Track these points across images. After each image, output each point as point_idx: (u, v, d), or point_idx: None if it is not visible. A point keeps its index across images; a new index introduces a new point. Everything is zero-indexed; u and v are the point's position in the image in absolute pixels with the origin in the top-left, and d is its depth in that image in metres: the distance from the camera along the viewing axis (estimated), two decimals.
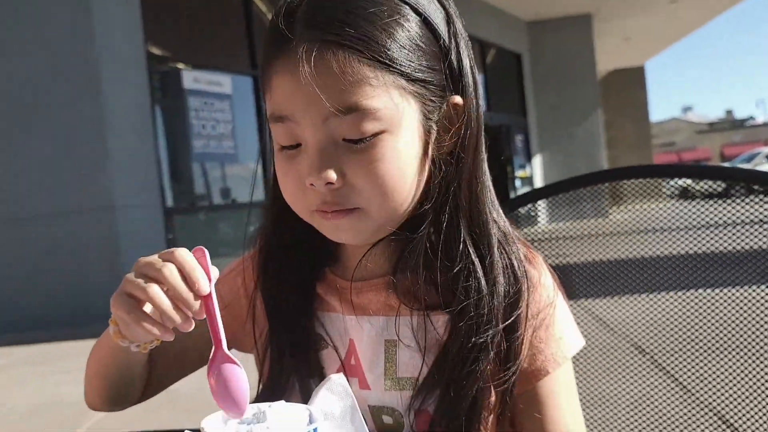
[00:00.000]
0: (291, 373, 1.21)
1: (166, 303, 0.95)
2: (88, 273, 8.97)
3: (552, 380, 1.17)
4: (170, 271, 0.96)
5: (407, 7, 1.06)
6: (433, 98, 1.09)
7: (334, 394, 1.06)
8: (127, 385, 1.29)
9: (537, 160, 21.96)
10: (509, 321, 1.13)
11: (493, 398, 1.14)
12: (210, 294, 0.96)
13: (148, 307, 0.97)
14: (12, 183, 9.19)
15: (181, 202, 10.70)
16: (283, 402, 0.95)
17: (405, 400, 1.16)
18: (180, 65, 10.85)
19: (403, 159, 1.07)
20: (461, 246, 1.12)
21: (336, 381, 1.08)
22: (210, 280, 0.96)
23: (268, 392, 1.23)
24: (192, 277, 0.95)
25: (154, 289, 0.95)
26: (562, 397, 1.19)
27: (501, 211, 1.20)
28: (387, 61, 1.03)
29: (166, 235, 9.71)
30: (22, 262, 9.18)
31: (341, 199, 1.07)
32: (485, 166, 1.17)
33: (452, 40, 1.11)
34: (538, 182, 21.44)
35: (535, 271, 1.19)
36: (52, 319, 8.84)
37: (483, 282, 1.12)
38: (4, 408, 5.27)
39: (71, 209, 9.03)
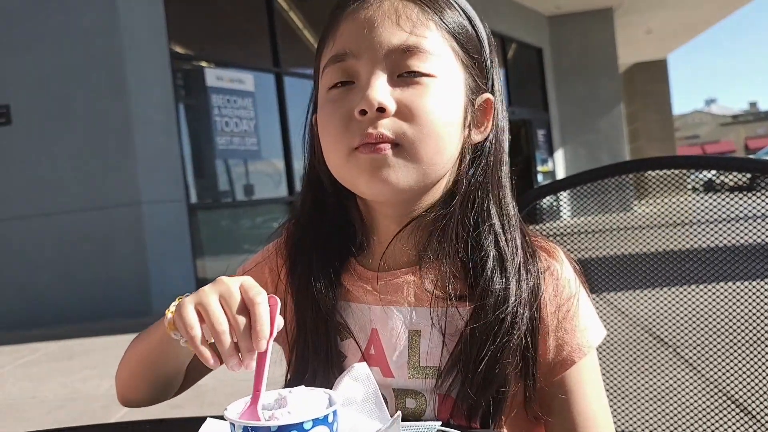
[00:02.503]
0: (314, 362, 1.23)
1: (229, 348, 0.96)
2: (114, 268, 9.04)
3: (578, 370, 1.20)
4: (243, 324, 0.96)
5: (459, 7, 1.20)
6: (474, 80, 1.20)
7: (357, 381, 1.08)
8: (168, 378, 1.32)
9: (559, 155, 21.85)
10: (534, 308, 1.17)
11: (513, 387, 1.16)
12: (266, 350, 0.96)
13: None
14: (43, 179, 9.27)
15: (205, 198, 10.75)
16: (303, 387, 0.97)
17: (429, 386, 1.19)
18: (203, 63, 10.89)
19: (448, 110, 1.15)
20: (490, 230, 1.17)
21: (359, 369, 1.10)
22: (272, 333, 0.96)
23: (294, 383, 1.24)
24: (259, 333, 0.95)
25: (224, 332, 0.96)
26: (588, 385, 1.22)
27: (516, 206, 1.25)
28: (446, 23, 1.16)
29: (190, 230, 9.76)
30: (52, 256, 9.26)
31: (386, 129, 1.11)
32: (507, 164, 1.24)
33: (488, 48, 1.23)
34: (561, 176, 21.28)
35: (556, 263, 1.22)
36: (79, 313, 8.92)
37: (510, 265, 1.16)
38: (34, 401, 5.32)
39: (98, 205, 9.10)
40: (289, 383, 1.27)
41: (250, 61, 11.65)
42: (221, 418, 0.94)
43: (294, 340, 1.28)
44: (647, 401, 1.67)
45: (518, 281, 1.16)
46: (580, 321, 1.20)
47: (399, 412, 0.99)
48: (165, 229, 9.32)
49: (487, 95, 1.22)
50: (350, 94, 1.14)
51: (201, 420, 1.10)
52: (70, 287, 9.13)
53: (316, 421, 0.87)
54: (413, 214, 1.20)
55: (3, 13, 9.31)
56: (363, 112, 1.11)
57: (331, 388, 1.11)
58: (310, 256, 1.26)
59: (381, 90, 1.11)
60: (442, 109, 1.13)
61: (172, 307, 1.10)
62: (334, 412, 0.90)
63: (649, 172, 1.66)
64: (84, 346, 7.28)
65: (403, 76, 1.12)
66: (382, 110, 1.10)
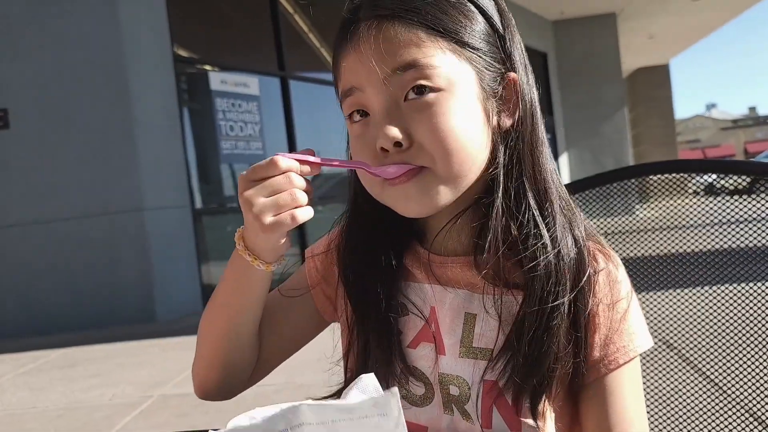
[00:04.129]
0: (373, 341, 1.26)
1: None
2: (118, 275, 9.03)
3: (621, 373, 1.21)
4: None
5: None
6: (488, 68, 1.17)
7: (365, 394, 1.07)
8: (239, 348, 1.32)
9: (564, 159, 21.87)
10: (578, 287, 1.17)
11: (560, 369, 1.18)
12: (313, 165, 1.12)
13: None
14: (44, 185, 9.26)
15: (210, 203, 10.74)
16: (311, 401, 0.96)
17: (476, 370, 1.21)
18: (207, 67, 10.90)
19: (465, 118, 1.14)
20: (527, 211, 1.17)
21: (367, 381, 1.09)
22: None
23: (359, 365, 1.29)
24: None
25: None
26: (629, 390, 1.22)
27: (564, 187, 1.26)
28: (440, 29, 1.13)
29: (195, 236, 9.75)
30: (53, 264, 9.24)
31: (409, 158, 1.13)
32: (544, 139, 1.23)
33: (503, 24, 1.20)
34: (566, 180, 21.14)
35: (612, 266, 1.23)
36: (81, 321, 8.92)
37: (549, 244, 1.16)
38: (34, 411, 5.29)
39: (101, 211, 9.09)
40: (354, 363, 1.31)
41: (254, 65, 11.66)
42: None
43: (353, 322, 1.31)
44: (652, 403, 1.67)
45: (557, 257, 1.17)
46: (630, 325, 1.21)
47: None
48: (169, 235, 9.32)
49: (510, 74, 1.20)
50: (369, 128, 1.16)
51: None
52: (72, 295, 9.12)
53: None
54: (457, 211, 1.21)
55: (3, 17, 9.32)
56: (384, 150, 1.13)
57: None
58: (372, 238, 1.29)
59: (392, 126, 1.12)
60: (457, 124, 1.12)
61: (240, 245, 1.22)
62: None
63: (652, 176, 1.68)
64: (86, 354, 7.25)
65: (409, 99, 1.13)
66: (399, 144, 1.12)
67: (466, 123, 1.14)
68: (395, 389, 0.93)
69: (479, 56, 1.16)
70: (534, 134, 1.21)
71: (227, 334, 1.30)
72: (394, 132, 1.11)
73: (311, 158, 1.12)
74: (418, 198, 1.15)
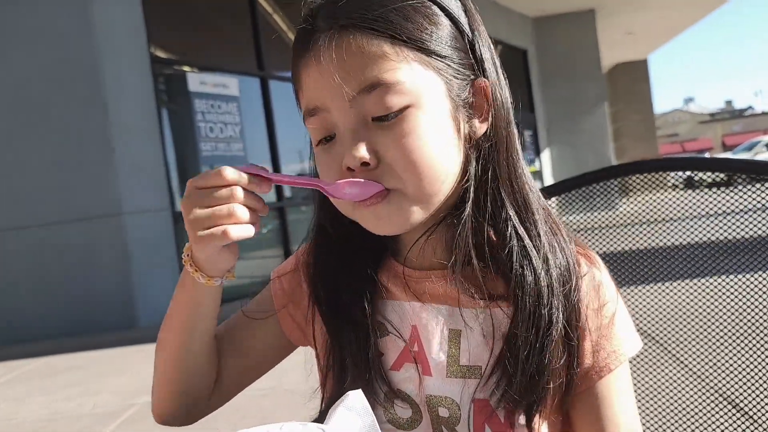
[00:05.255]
0: (352, 363, 1.20)
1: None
2: (97, 281, 8.95)
3: (612, 378, 1.18)
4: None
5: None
6: (456, 76, 1.12)
7: (352, 412, 1.04)
8: (193, 367, 1.27)
9: (546, 155, 22.03)
10: (568, 297, 1.14)
11: (555, 381, 1.14)
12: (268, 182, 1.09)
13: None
14: (17, 190, 9.17)
15: None
16: (296, 423, 0.92)
17: (465, 389, 1.17)
18: (185, 68, 10.84)
19: (434, 134, 1.09)
20: (508, 223, 1.14)
21: (354, 398, 1.05)
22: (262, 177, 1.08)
23: (336, 388, 1.22)
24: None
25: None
26: (621, 396, 1.20)
27: (542, 196, 1.22)
28: (404, 38, 1.07)
29: (176, 239, 9.68)
30: (30, 271, 9.14)
31: (377, 178, 1.09)
32: (519, 147, 1.19)
33: (470, 27, 1.16)
34: (548, 176, 21.54)
35: (597, 270, 1.21)
36: (60, 329, 8.81)
37: (534, 255, 1.13)
38: (13, 422, 5.18)
39: (78, 216, 8.99)
40: (332, 390, 1.24)
41: (234, 65, 11.62)
42: None
43: (328, 346, 1.25)
44: (637, 398, 1.67)
45: (547, 269, 1.13)
46: (619, 329, 1.19)
47: None
48: (149, 240, 9.24)
49: (479, 81, 1.15)
50: (335, 147, 1.12)
51: None
52: (50, 302, 9.00)
53: None
54: (430, 225, 1.16)
55: None
56: (350, 169, 1.09)
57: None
58: (344, 251, 1.24)
59: (359, 145, 1.07)
60: (427, 141, 1.08)
61: (185, 255, 1.16)
62: None
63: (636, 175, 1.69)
64: (66, 363, 7.12)
65: (377, 119, 1.08)
66: (367, 164, 1.08)
67: (436, 138, 1.09)
68: None
69: (447, 64, 1.11)
70: (509, 141, 1.17)
71: (179, 352, 1.25)
72: (362, 152, 1.07)
73: (264, 173, 1.08)
74: (389, 218, 1.11)
